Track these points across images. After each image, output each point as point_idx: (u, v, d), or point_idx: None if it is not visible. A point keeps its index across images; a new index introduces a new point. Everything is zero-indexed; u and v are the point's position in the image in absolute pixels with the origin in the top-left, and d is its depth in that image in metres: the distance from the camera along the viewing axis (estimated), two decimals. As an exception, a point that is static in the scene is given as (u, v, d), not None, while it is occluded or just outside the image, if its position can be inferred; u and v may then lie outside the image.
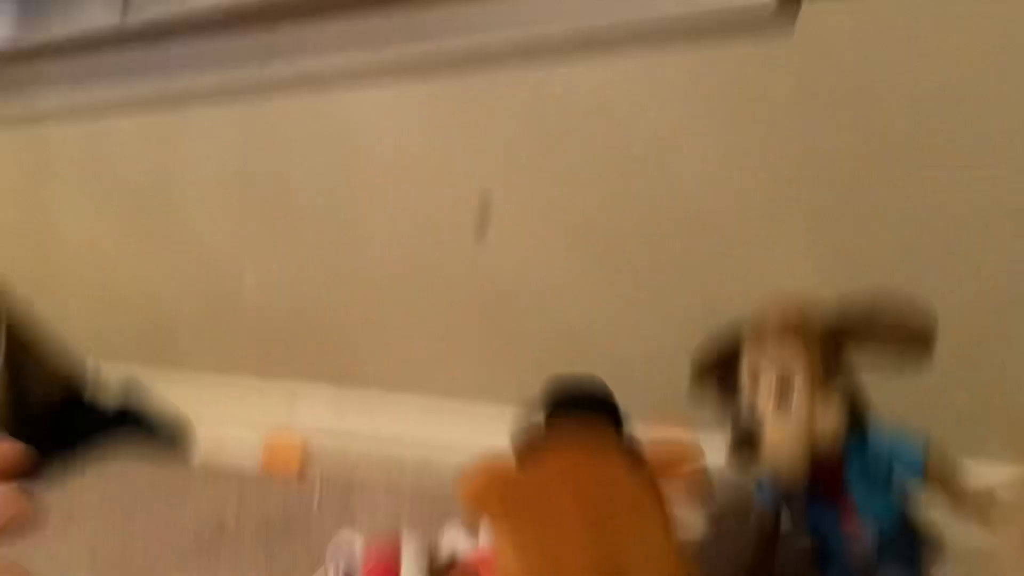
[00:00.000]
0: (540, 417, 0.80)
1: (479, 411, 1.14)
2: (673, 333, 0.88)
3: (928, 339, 0.75)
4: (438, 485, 1.18)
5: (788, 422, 0.77)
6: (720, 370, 0.86)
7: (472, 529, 0.93)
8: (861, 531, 0.81)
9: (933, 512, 0.84)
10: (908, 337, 0.75)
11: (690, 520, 0.68)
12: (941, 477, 0.80)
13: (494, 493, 0.68)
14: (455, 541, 0.94)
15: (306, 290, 1.17)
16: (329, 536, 1.14)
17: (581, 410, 0.79)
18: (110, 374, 1.52)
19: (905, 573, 0.82)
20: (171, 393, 1.49)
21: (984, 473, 0.80)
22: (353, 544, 0.91)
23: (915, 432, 0.81)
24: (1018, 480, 0.79)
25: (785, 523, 0.89)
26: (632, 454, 0.71)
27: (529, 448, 0.74)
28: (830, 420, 0.77)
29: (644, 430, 0.74)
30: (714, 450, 0.74)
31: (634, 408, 0.98)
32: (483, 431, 1.15)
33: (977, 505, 0.78)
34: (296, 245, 1.13)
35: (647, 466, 0.70)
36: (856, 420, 0.80)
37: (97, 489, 1.39)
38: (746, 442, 0.77)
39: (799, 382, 0.78)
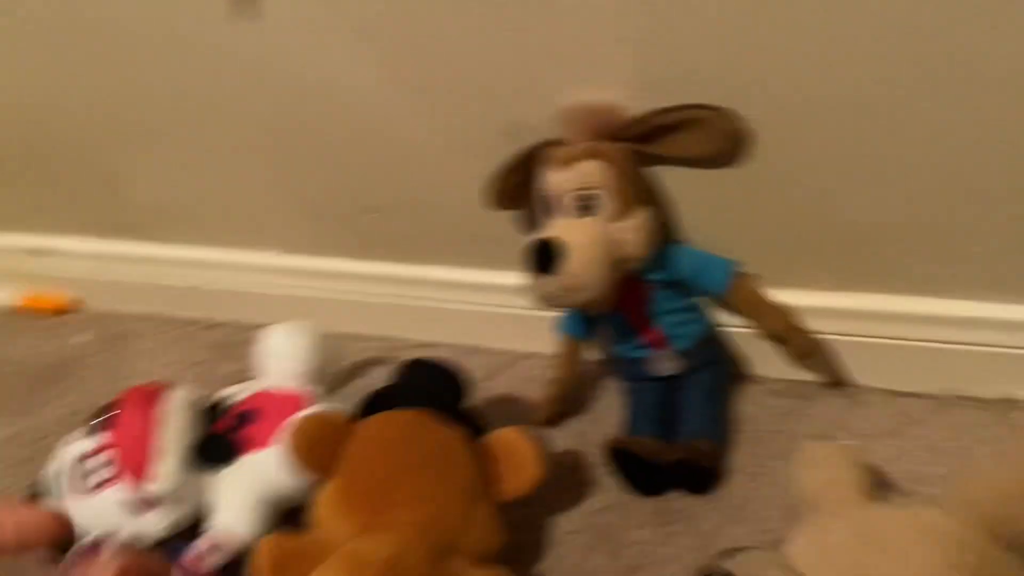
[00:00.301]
0: (386, 387, 0.76)
1: (263, 262, 1.02)
2: (480, 153, 0.79)
3: (735, 141, 0.69)
4: (221, 341, 1.07)
5: (590, 238, 0.70)
6: (518, 185, 0.78)
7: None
8: (665, 349, 0.78)
9: (735, 331, 0.82)
10: (712, 140, 0.69)
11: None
12: (745, 299, 0.77)
13: (318, 442, 0.69)
14: (236, 391, 0.84)
15: (55, 123, 0.98)
16: (98, 382, 1.02)
17: (427, 388, 0.75)
18: None
19: (707, 388, 0.80)
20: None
21: (788, 299, 0.78)
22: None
23: (721, 255, 0.77)
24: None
25: (587, 347, 0.85)
26: (470, 433, 0.71)
27: (366, 409, 0.73)
28: (635, 236, 0.71)
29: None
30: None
31: (441, 246, 0.91)
32: (263, 283, 1.04)
33: (780, 329, 0.76)
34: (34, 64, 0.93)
35: (484, 450, 0.71)
36: (661, 238, 0.75)
37: None
38: (545, 261, 0.70)
39: (601, 196, 0.71)
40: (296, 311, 1.00)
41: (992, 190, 0.67)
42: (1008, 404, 0.76)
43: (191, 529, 0.75)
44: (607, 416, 0.85)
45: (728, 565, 0.59)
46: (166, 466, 0.73)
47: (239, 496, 0.74)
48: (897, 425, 0.77)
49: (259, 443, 0.76)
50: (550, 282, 0.70)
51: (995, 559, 0.51)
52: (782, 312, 0.76)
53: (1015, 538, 0.51)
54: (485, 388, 0.91)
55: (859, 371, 0.81)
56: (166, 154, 0.96)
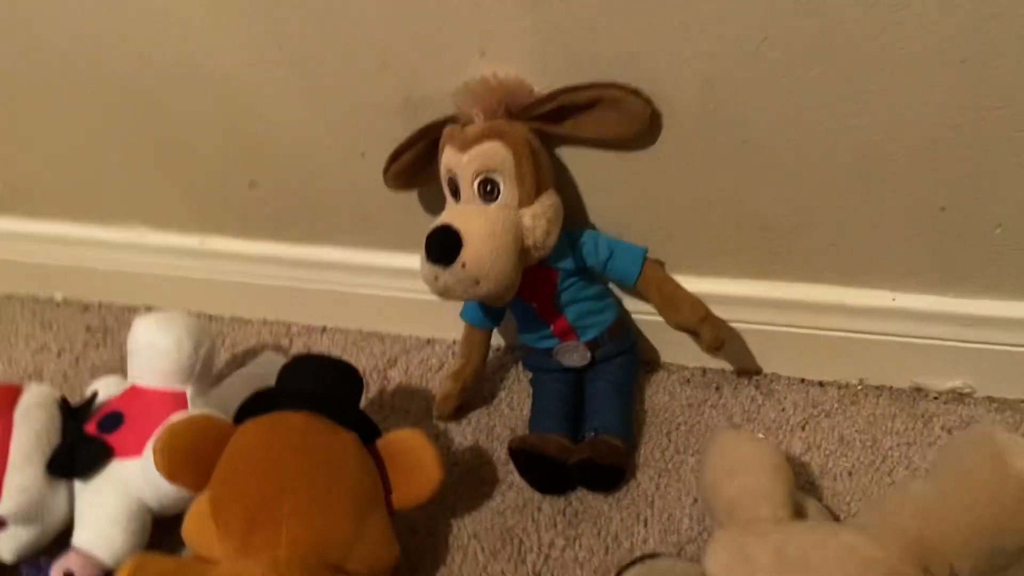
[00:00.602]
0: (272, 387, 0.69)
1: (139, 240, 0.93)
2: (373, 126, 0.72)
3: (645, 123, 0.64)
4: (94, 325, 0.98)
5: (491, 226, 0.65)
6: (414, 165, 0.72)
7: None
8: (573, 339, 0.74)
9: (645, 319, 0.78)
10: (623, 121, 0.64)
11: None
12: (657, 289, 0.73)
13: (190, 451, 0.62)
14: (104, 387, 0.76)
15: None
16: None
17: (314, 387, 0.68)
18: None
19: (616, 379, 0.76)
20: None
21: (699, 287, 0.74)
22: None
23: (630, 241, 0.73)
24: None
25: (493, 335, 0.80)
26: (363, 437, 0.66)
27: (245, 412, 0.66)
28: (540, 223, 0.66)
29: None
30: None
31: (333, 225, 0.84)
32: (141, 262, 0.94)
33: (692, 320, 0.72)
34: None
35: (378, 454, 0.66)
36: (569, 224, 0.70)
37: None
38: (441, 251, 0.64)
39: (504, 179, 0.65)
40: (177, 293, 0.92)
41: (902, 180, 0.64)
42: (918, 394, 0.75)
43: (56, 547, 0.67)
44: (514, 408, 0.80)
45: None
46: (14, 482, 0.65)
47: (104, 511, 0.66)
48: (808, 416, 0.75)
49: (127, 450, 0.68)
50: (447, 274, 0.64)
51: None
52: (695, 303, 0.72)
53: (940, 566, 0.48)
54: (382, 377, 0.85)
55: (771, 360, 0.78)
56: (22, 124, 0.85)
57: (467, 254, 0.64)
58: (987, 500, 0.47)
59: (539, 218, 0.66)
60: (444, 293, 0.67)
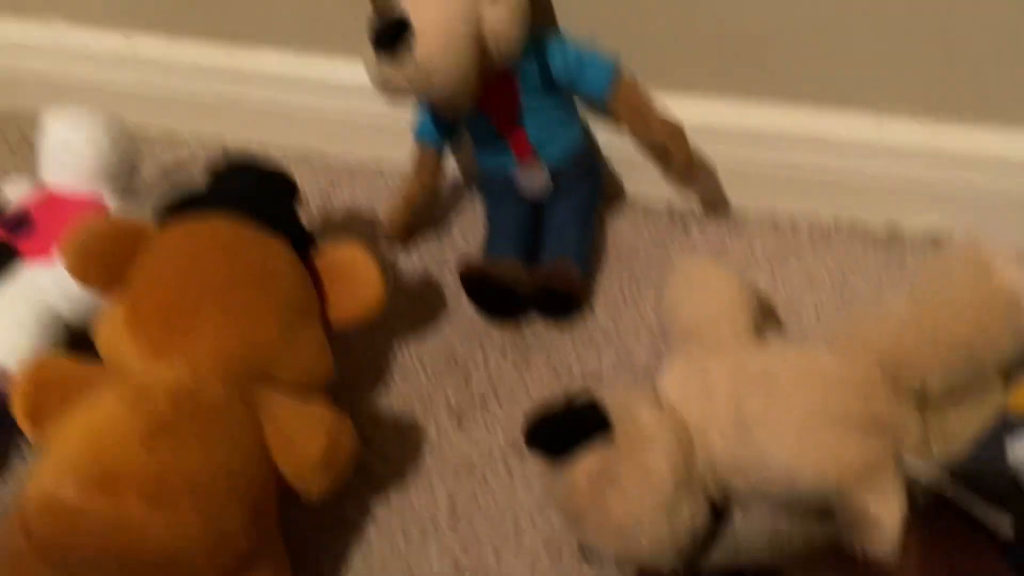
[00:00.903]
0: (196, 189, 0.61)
1: (53, 38, 0.83)
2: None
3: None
4: (6, 134, 0.89)
5: (448, 14, 0.58)
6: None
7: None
8: (533, 161, 0.68)
9: (612, 145, 0.73)
10: None
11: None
12: (629, 103, 0.67)
13: (104, 252, 0.56)
14: (11, 190, 0.69)
15: None
16: None
17: (245, 190, 0.61)
18: None
19: (577, 209, 0.71)
20: None
21: (673, 106, 0.68)
22: None
23: (604, 52, 0.66)
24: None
25: (447, 156, 0.74)
26: (298, 246, 0.60)
27: (169, 214, 0.59)
28: (502, 20, 0.59)
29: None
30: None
31: (272, 22, 0.75)
32: (56, 64, 0.85)
33: (664, 136, 0.67)
34: None
35: (314, 268, 0.61)
36: (535, 26, 0.63)
37: None
38: (391, 40, 0.57)
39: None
40: (102, 103, 0.83)
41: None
42: (891, 235, 0.71)
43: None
44: (467, 239, 0.75)
45: (594, 393, 0.52)
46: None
47: (9, 316, 0.61)
48: (776, 254, 0.71)
49: (36, 253, 0.62)
50: (396, 70, 0.57)
51: (883, 405, 0.45)
52: (667, 121, 0.67)
53: (909, 382, 0.45)
54: (325, 200, 0.79)
55: (742, 196, 0.73)
56: None
57: (419, 45, 0.57)
58: (970, 313, 0.44)
59: (501, 9, 0.59)
60: (392, 92, 0.60)
